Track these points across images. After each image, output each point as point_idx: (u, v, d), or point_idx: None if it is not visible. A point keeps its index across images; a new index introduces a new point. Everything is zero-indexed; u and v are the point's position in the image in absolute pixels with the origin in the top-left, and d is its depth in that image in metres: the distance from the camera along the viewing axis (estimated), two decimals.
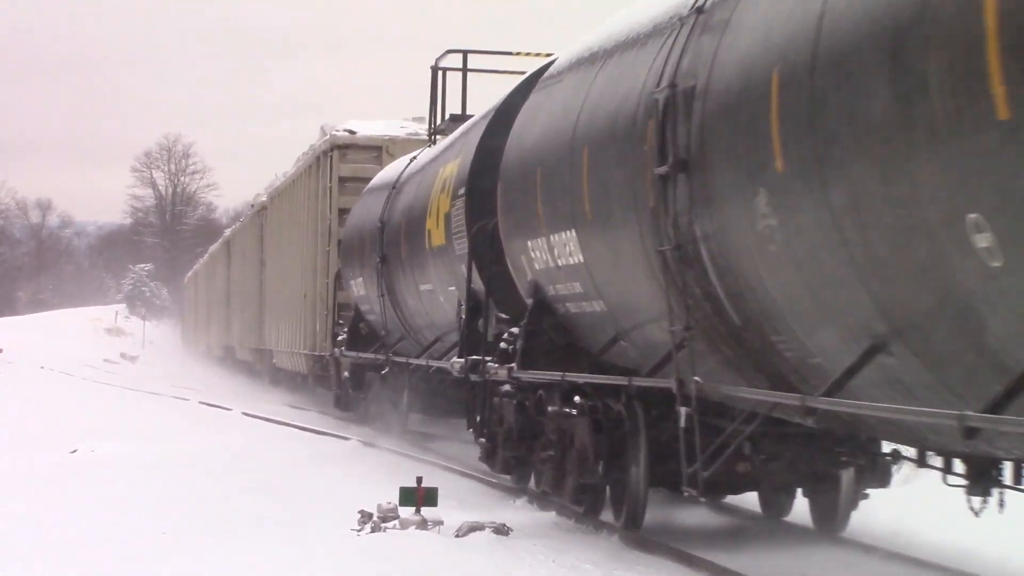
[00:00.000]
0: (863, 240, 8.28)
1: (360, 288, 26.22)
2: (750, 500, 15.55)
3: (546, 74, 15.91)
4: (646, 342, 13.05)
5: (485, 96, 21.01)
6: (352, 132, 30.75)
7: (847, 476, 14.08)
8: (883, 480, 13.49)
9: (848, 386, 9.01)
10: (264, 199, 44.31)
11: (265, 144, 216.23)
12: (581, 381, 14.35)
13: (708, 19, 10.82)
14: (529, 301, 15.54)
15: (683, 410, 11.35)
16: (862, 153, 8.05)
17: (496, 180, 16.61)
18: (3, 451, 21.86)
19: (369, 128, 31.00)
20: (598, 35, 14.12)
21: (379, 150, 30.47)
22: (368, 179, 28.40)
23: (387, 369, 24.10)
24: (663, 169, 11.13)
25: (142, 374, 62.84)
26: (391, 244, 22.83)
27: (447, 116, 23.82)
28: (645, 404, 13.78)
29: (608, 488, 14.72)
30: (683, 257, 11.11)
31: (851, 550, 13.56)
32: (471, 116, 21.34)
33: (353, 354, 26.82)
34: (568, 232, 13.79)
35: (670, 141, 11.08)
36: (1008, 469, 10.20)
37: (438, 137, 23.23)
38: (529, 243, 15.15)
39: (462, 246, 18.12)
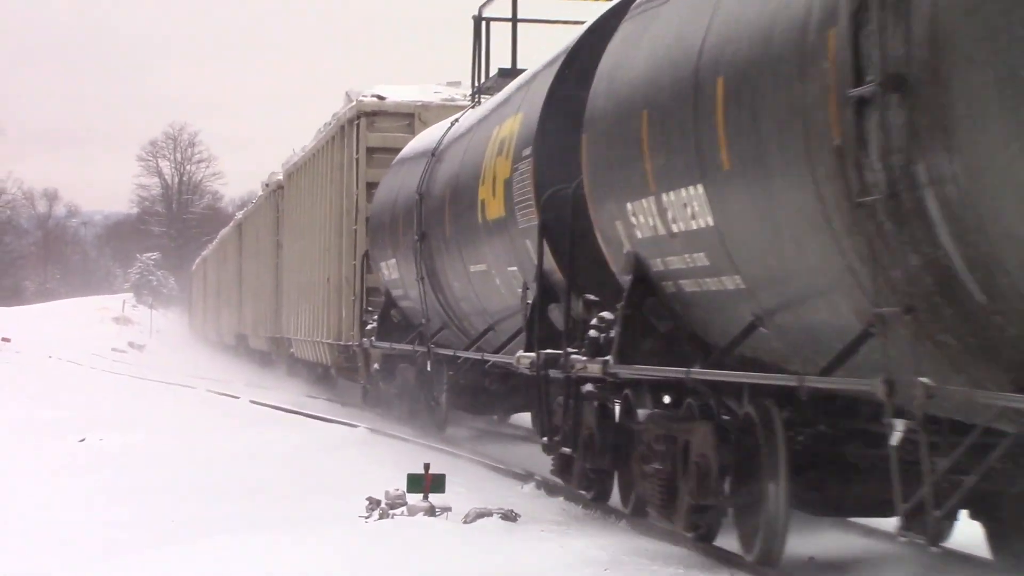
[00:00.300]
0: None
1: (392, 271, 22.86)
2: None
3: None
4: (805, 329, 9.75)
5: (537, 51, 17.69)
6: (381, 98, 27.21)
7: None
8: None
9: None
10: (280, 177, 40.49)
11: (272, 132, 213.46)
12: (717, 380, 11.03)
13: None
14: (626, 279, 12.25)
15: (898, 424, 8.06)
16: None
17: (572, 135, 13.39)
18: (12, 440, 21.58)
19: (399, 93, 27.44)
20: None
21: (411, 117, 26.95)
22: (399, 150, 25.06)
23: (428, 363, 20.71)
24: (863, 90, 7.84)
25: (150, 363, 61.64)
26: (432, 219, 19.49)
27: (491, 73, 20.41)
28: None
29: (732, 511, 11.45)
30: (897, 211, 7.80)
31: None
32: (524, 70, 17.97)
33: (386, 345, 23.45)
34: (691, 189, 10.52)
35: (873, 50, 7.80)
36: None
37: (483, 98, 19.83)
38: (629, 207, 11.85)
39: (528, 217, 14.81)
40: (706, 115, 10.12)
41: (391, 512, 13.30)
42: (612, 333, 12.52)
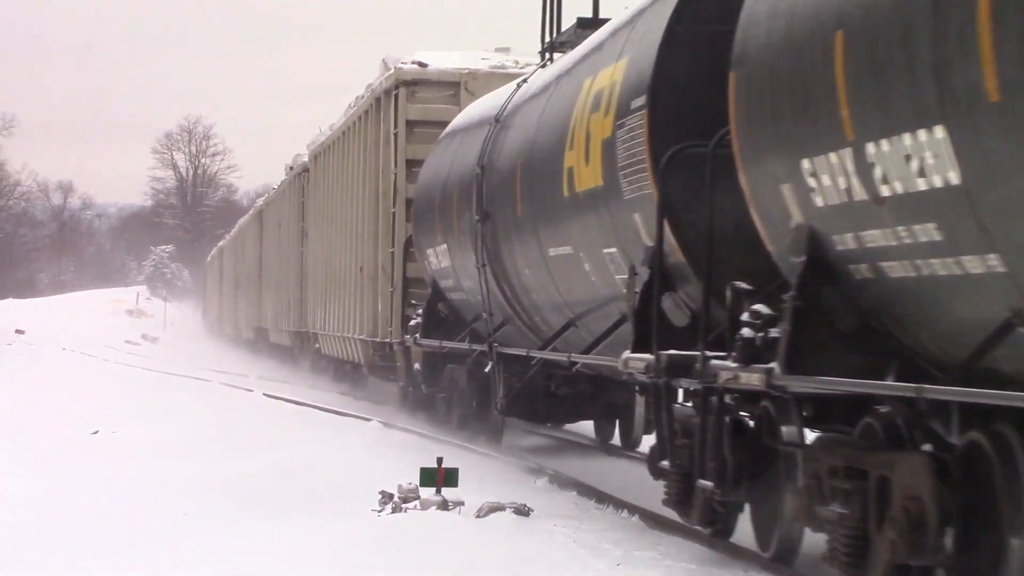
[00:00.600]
0: None
1: (441, 258, 19.67)
2: None
3: None
4: None
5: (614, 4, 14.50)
6: (423, 65, 23.80)
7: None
8: None
9: None
10: (305, 159, 36.99)
11: (287, 126, 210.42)
12: (962, 401, 7.87)
13: None
14: (795, 261, 9.09)
15: None
16: None
17: (700, 82, 10.36)
18: (26, 432, 21.15)
19: (443, 60, 24.06)
20: None
21: (456, 87, 23.60)
22: (443, 122, 21.88)
23: (490, 364, 17.44)
24: None
25: (164, 355, 60.61)
26: (497, 196, 16.29)
27: (563, 27, 17.17)
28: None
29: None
30: None
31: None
32: (608, 20, 14.74)
33: (435, 343, 20.22)
34: (922, 133, 7.37)
35: None
36: None
37: (556, 56, 16.59)
38: (806, 164, 8.69)
39: (638, 185, 11.63)
40: (956, 25, 6.95)
41: (404, 506, 13.07)
42: (773, 332, 9.35)
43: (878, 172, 7.91)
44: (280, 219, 43.78)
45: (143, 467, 16.64)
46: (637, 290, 11.80)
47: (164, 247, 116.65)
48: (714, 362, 10.05)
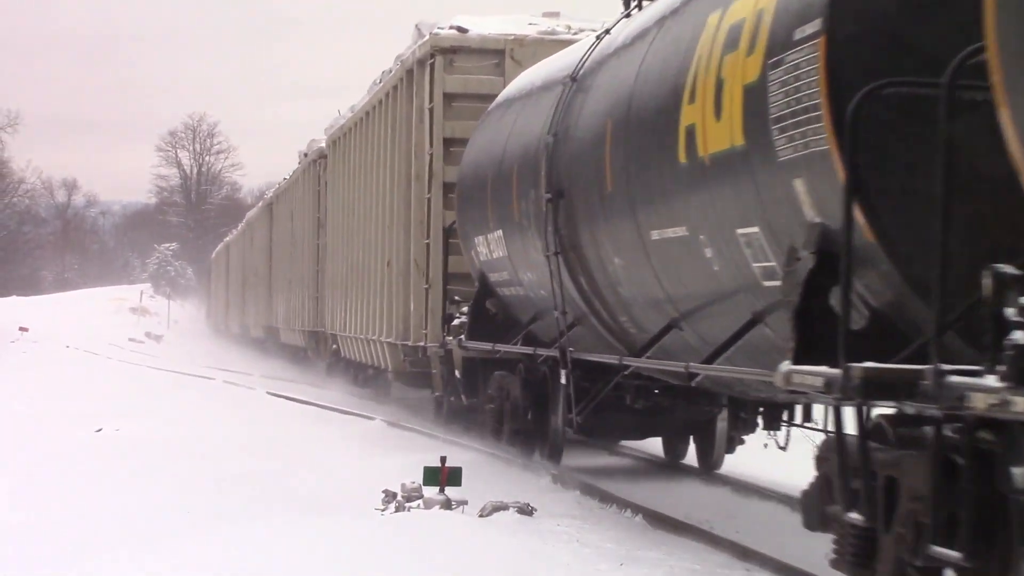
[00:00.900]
0: None
1: (494, 248, 16.55)
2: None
3: None
4: None
5: None
6: (462, 30, 20.39)
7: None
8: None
9: None
10: (322, 144, 33.52)
11: (291, 124, 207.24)
12: None
13: None
14: None
15: None
16: None
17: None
18: (29, 430, 20.86)
19: (485, 26, 20.68)
20: None
21: (500, 55, 20.23)
22: (485, 96, 18.80)
23: (563, 374, 14.22)
24: None
25: (168, 354, 59.30)
26: (576, 170, 13.15)
27: None
28: None
29: None
30: None
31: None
32: None
33: (485, 346, 17.07)
34: None
35: None
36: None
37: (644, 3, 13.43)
38: None
39: (805, 141, 8.51)
40: None
41: (407, 505, 12.85)
42: None
43: None
44: (293, 210, 40.20)
45: (146, 466, 16.30)
46: (799, 281, 8.69)
47: (168, 245, 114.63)
48: (956, 379, 6.93)
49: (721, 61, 9.75)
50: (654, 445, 18.30)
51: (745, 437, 16.32)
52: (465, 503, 12.80)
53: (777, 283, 9.24)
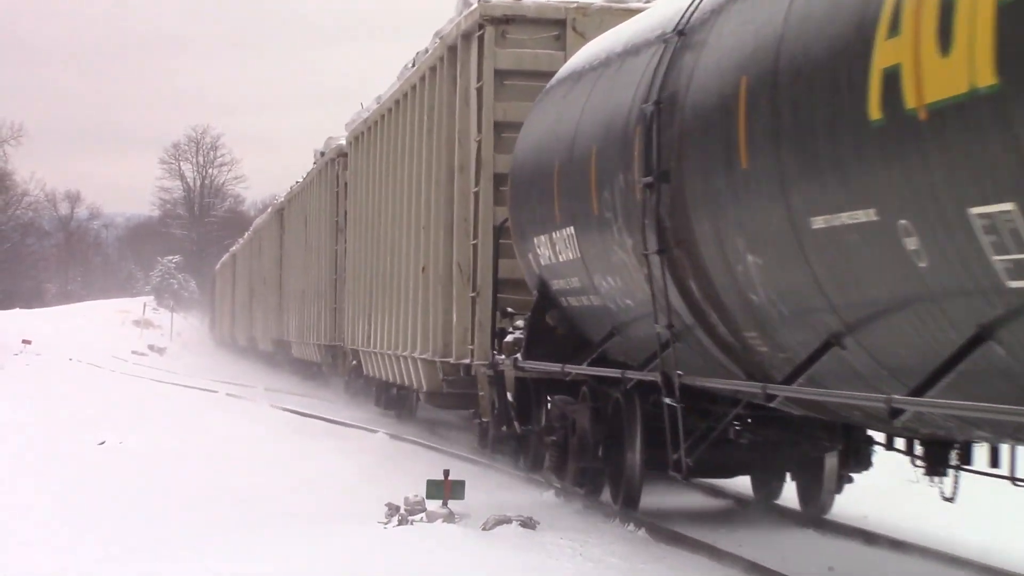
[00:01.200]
0: None
1: (560, 249, 13.51)
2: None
3: None
4: None
5: None
6: None
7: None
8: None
9: None
10: (342, 141, 30.12)
11: (294, 136, 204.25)
12: None
13: None
14: None
15: None
16: None
17: None
18: (32, 443, 20.54)
19: None
20: None
21: (561, 26, 17.12)
22: (543, 73, 15.89)
23: (671, 399, 11.09)
24: None
25: (171, 366, 57.59)
26: (689, 146, 10.13)
27: None
28: None
29: None
30: None
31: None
32: None
33: (554, 367, 13.95)
34: None
35: None
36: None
37: None
38: None
39: None
40: None
41: (410, 518, 12.70)
42: None
43: None
44: (307, 215, 36.78)
45: (150, 478, 16.11)
46: None
47: (171, 257, 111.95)
48: None
49: None
50: (735, 482, 15.28)
51: (855, 475, 13.45)
52: (468, 516, 12.75)
53: None
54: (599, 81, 12.73)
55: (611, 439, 13.52)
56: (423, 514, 12.77)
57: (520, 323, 15.46)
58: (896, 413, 7.78)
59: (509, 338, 15.39)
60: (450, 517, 12.70)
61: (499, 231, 16.51)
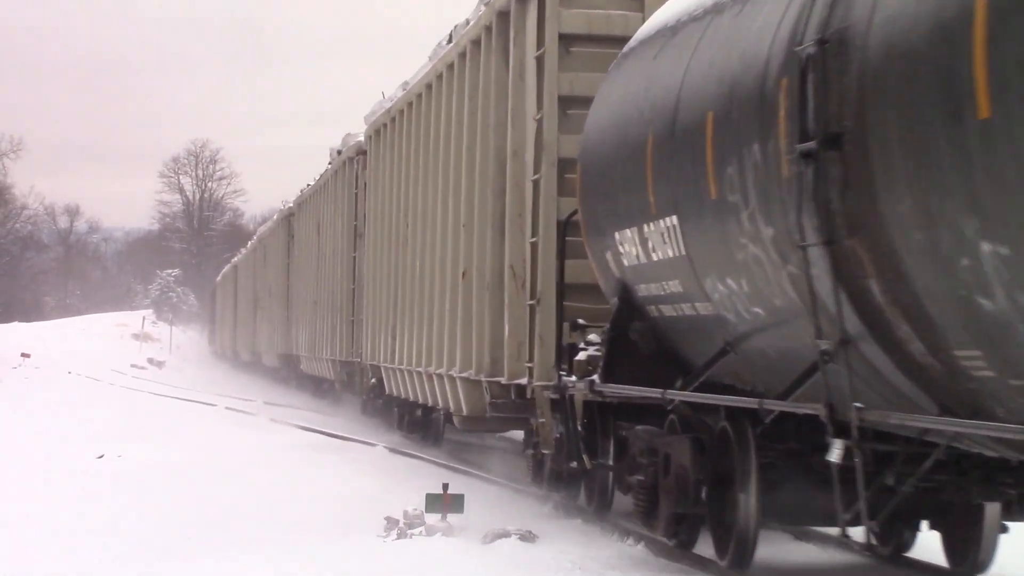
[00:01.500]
0: None
1: (655, 245, 10.67)
2: None
3: None
4: None
5: None
6: None
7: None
8: None
9: None
10: (360, 138, 26.51)
11: (293, 151, 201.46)
12: None
13: None
14: None
15: None
16: None
17: None
18: (31, 456, 20.23)
19: None
20: None
21: None
22: (618, 39, 13.18)
23: (840, 447, 8.11)
24: None
25: (170, 380, 56.54)
26: (875, 96, 7.37)
27: None
28: None
29: None
30: None
31: None
32: None
33: (654, 393, 10.90)
34: None
35: None
36: None
37: None
38: None
39: None
40: None
41: (409, 532, 12.58)
42: None
43: None
44: (321, 220, 33.71)
45: (149, 491, 16.05)
46: None
47: (170, 271, 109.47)
48: None
49: None
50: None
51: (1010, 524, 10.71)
52: (467, 530, 12.66)
53: None
54: (709, 31, 9.93)
55: (725, 486, 10.68)
56: (422, 527, 12.72)
57: (593, 337, 12.66)
58: None
59: (582, 355, 12.53)
60: (449, 530, 12.69)
61: (565, 226, 13.63)
